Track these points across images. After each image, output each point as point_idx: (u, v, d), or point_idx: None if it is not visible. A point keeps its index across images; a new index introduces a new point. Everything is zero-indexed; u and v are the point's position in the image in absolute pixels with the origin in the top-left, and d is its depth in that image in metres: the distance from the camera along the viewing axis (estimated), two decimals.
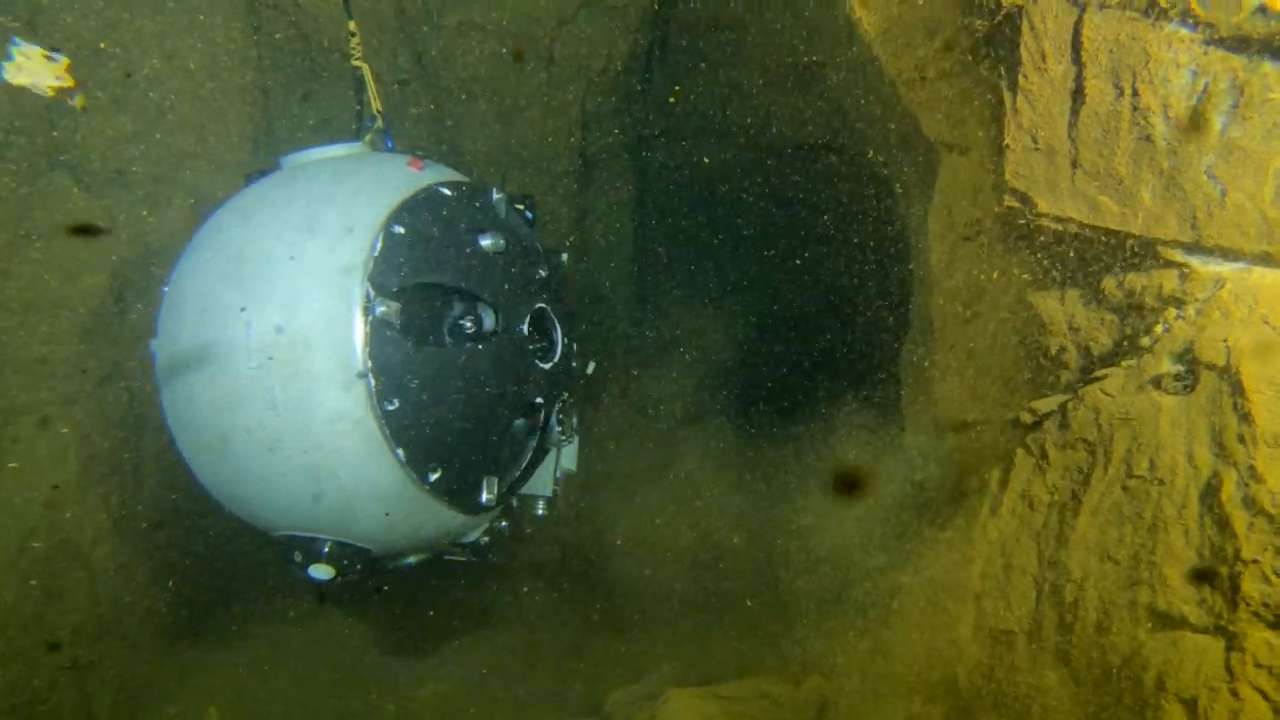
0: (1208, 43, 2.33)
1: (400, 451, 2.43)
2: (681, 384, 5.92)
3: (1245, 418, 2.09)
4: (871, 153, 4.96)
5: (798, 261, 7.32)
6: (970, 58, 3.14)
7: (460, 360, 2.56)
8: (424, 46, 5.64)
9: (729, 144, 7.00)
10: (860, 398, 4.66)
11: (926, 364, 4.19)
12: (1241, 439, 2.08)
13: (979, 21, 2.97)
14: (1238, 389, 2.14)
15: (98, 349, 4.38)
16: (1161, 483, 2.28)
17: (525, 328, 2.77)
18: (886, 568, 3.69)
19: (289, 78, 5.36)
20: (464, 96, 5.82)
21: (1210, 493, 2.11)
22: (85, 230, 4.23)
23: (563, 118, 6.34)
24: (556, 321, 2.90)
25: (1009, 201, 2.83)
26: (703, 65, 6.43)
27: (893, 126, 4.18)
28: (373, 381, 2.36)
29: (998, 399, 3.48)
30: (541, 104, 6.20)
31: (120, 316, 4.51)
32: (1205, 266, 2.44)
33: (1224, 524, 2.04)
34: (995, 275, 3.39)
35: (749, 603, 4.38)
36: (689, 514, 4.87)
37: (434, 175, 2.79)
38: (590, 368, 3.37)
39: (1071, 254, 2.85)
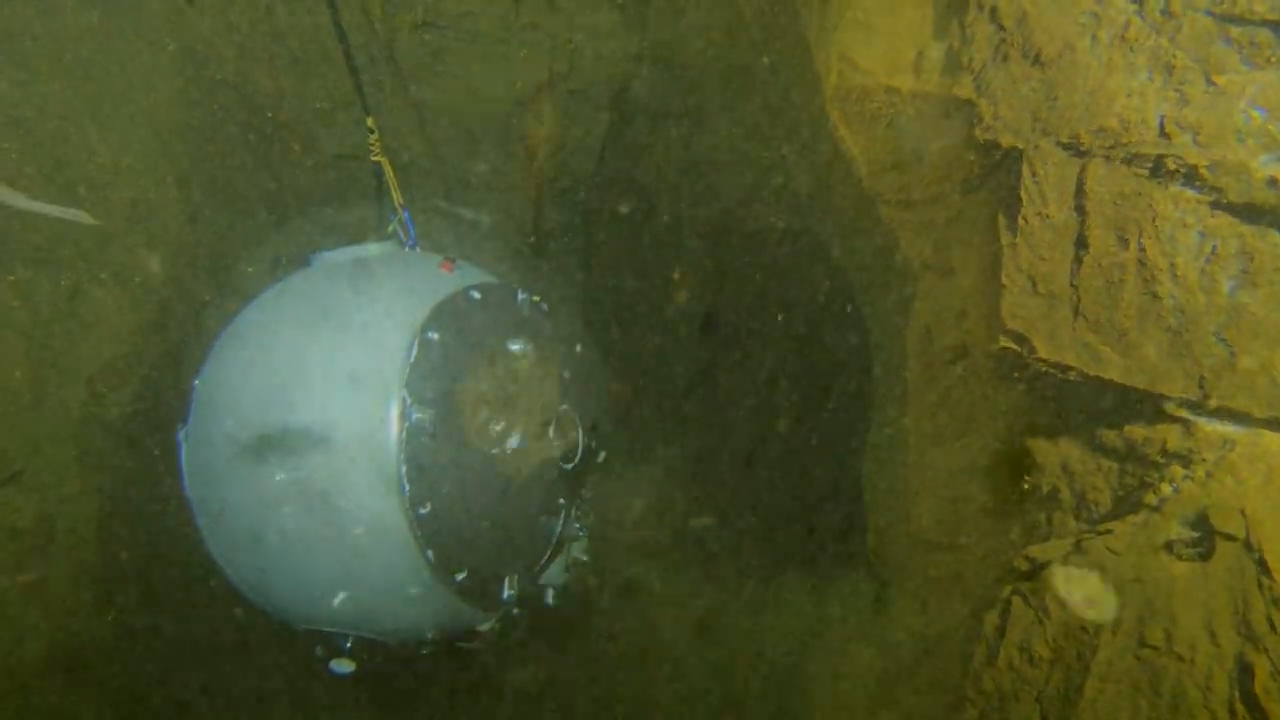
0: (1215, 206, 2.32)
1: (430, 554, 2.51)
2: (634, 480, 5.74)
3: (1275, 602, 2.03)
4: (835, 250, 4.95)
5: (749, 340, 7.27)
6: (961, 188, 3.12)
7: (490, 465, 2.65)
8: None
9: (682, 224, 6.96)
10: (825, 505, 4.56)
11: (898, 473, 4.12)
12: (1272, 625, 2.02)
13: (974, 156, 2.95)
14: (1263, 568, 2.08)
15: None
16: (1180, 659, 2.20)
17: (551, 431, 2.76)
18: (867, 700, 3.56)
19: (229, 150, 5.11)
20: (416, 174, 5.65)
21: (1241, 678, 2.04)
22: None
23: (516, 196, 6.22)
24: (579, 424, 2.92)
25: (1005, 343, 2.78)
26: (661, 148, 6.39)
27: (871, 240, 4.15)
28: (407, 487, 2.42)
29: (981, 527, 3.41)
30: (495, 184, 6.08)
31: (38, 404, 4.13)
32: (1212, 426, 2.41)
33: (1262, 718, 1.96)
34: (980, 402, 3.35)
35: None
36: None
37: (464, 277, 2.87)
38: (600, 456, 3.36)
39: (1067, 395, 2.81)
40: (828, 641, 4.16)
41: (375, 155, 3.20)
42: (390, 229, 3.13)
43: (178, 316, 4.50)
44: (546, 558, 2.98)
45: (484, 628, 2.90)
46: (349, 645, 2.63)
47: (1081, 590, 2.53)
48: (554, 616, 3.19)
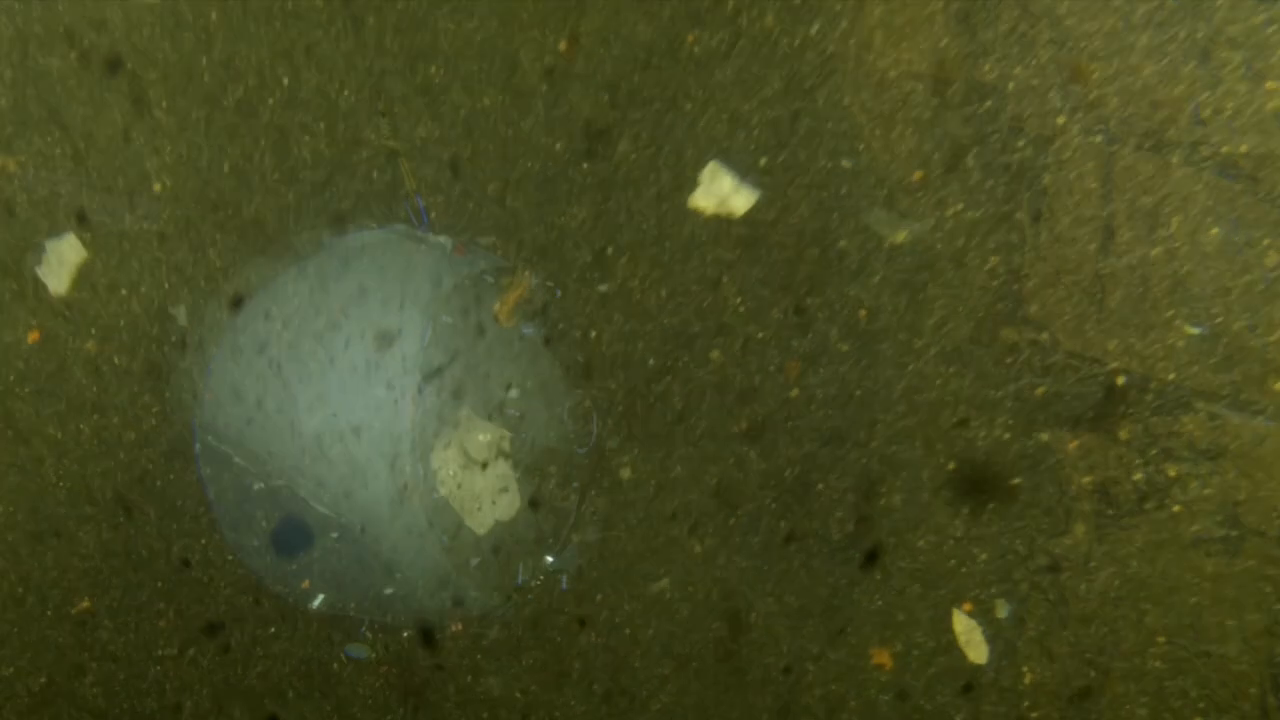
0: (1251, 195, 2.26)
1: (445, 539, 2.54)
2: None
3: None
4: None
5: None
6: (982, 174, 3.05)
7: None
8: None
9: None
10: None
11: (909, 463, 4.07)
12: None
13: (996, 142, 2.88)
14: None
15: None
16: (1208, 655, 2.15)
17: (565, 416, 2.84)
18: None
19: (234, 137, 5.03)
20: (420, 161, 5.57)
21: (1275, 680, 1.99)
22: None
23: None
24: (594, 409, 2.91)
25: (1026, 334, 2.72)
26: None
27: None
28: (420, 470, 2.46)
29: (997, 521, 3.36)
30: (496, 177, 6.01)
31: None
32: (1242, 419, 2.35)
33: None
34: (996, 394, 3.29)
35: None
36: None
37: (477, 262, 2.87)
38: (615, 444, 3.36)
39: (1090, 388, 2.75)
40: (837, 632, 4.11)
41: (387, 140, 3.15)
42: (403, 216, 3.10)
43: (188, 304, 4.45)
44: (561, 542, 2.97)
45: (497, 612, 2.89)
46: (364, 630, 2.65)
47: (963, 630, 2.73)
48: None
